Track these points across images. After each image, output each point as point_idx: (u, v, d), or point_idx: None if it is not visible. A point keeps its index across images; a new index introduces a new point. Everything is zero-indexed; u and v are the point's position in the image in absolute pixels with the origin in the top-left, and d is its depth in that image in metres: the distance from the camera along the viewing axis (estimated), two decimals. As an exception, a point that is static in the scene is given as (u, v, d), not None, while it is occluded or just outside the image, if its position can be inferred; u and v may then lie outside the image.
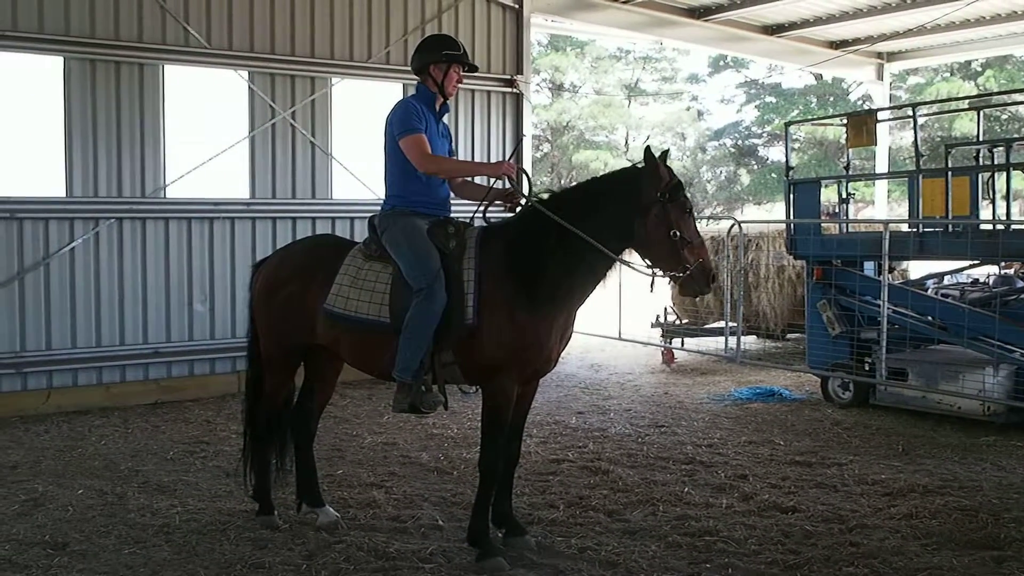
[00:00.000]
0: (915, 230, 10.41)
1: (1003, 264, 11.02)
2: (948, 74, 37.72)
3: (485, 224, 6.03)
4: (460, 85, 6.34)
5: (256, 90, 11.49)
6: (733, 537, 6.13)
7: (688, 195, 5.69)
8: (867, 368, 10.23)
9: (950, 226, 9.93)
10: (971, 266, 11.11)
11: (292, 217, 11.72)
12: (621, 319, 13.59)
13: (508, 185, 6.10)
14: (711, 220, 30.91)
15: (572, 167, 41.83)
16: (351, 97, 12.21)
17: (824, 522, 6.46)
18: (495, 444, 5.75)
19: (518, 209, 6.09)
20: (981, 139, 11.18)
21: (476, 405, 6.62)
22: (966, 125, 30.94)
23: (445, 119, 6.33)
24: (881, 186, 21.40)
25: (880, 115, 11.85)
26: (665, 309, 14.53)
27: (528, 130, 13.86)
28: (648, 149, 5.64)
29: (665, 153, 5.73)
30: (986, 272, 11.59)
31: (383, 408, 10.21)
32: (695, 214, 5.77)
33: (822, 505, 6.84)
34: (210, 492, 7.23)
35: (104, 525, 6.39)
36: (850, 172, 11.88)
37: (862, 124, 10.89)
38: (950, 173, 10.06)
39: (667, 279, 5.81)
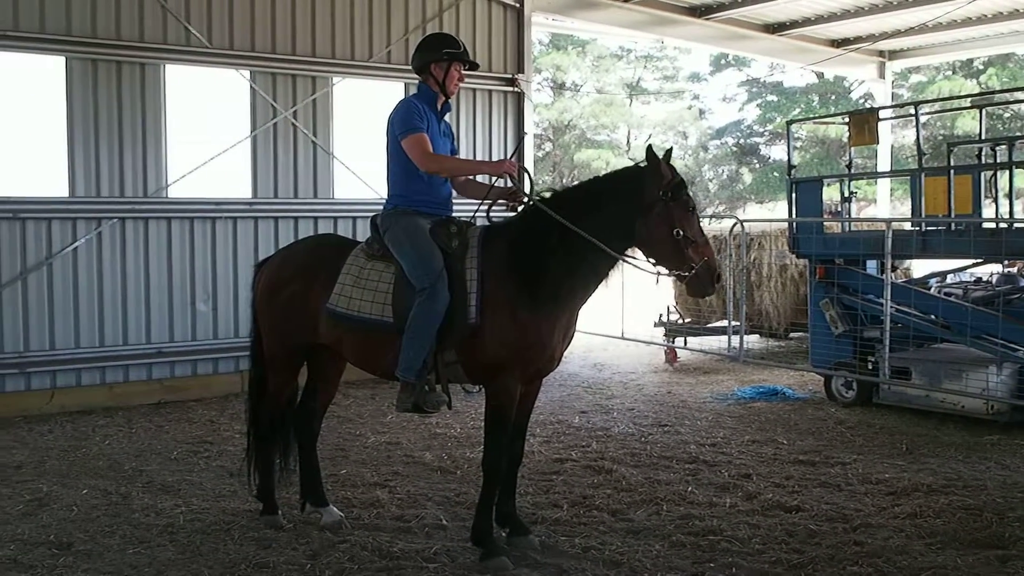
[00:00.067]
0: (918, 229, 10.40)
1: (1006, 262, 11.00)
2: (950, 72, 37.68)
3: (487, 223, 6.03)
4: (461, 84, 6.33)
5: (258, 89, 11.49)
6: (737, 536, 6.13)
7: (691, 194, 5.68)
8: (870, 367, 10.22)
9: (953, 224, 9.92)
10: (974, 265, 11.10)
11: (294, 217, 11.73)
12: (624, 318, 13.58)
13: (510, 184, 6.10)
14: (713, 219, 30.90)
15: (574, 166, 41.82)
16: (352, 96, 12.21)
17: (828, 521, 6.46)
18: (498, 443, 5.75)
19: (520, 208, 6.09)
20: (983, 137, 11.17)
21: (479, 404, 6.62)
22: (968, 123, 30.90)
23: (447, 118, 6.33)
24: (883, 185, 21.40)
25: (882, 113, 11.84)
26: (668, 308, 14.53)
27: (529, 129, 13.86)
28: (650, 148, 5.64)
29: (668, 152, 5.72)
30: (989, 271, 11.58)
31: (386, 408, 10.22)
32: (698, 213, 5.75)
33: (826, 504, 6.83)
34: (214, 492, 7.24)
35: (108, 525, 6.40)
36: (852, 171, 11.89)
37: (864, 123, 10.87)
38: (952, 171, 10.05)
39: (672, 277, 5.80)
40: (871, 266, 10.72)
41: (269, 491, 6.53)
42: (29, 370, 10.14)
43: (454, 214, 6.16)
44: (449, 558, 5.78)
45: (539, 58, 38.91)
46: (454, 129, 6.54)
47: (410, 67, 6.42)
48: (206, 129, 11.20)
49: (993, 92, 30.28)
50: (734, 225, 12.37)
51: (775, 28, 17.70)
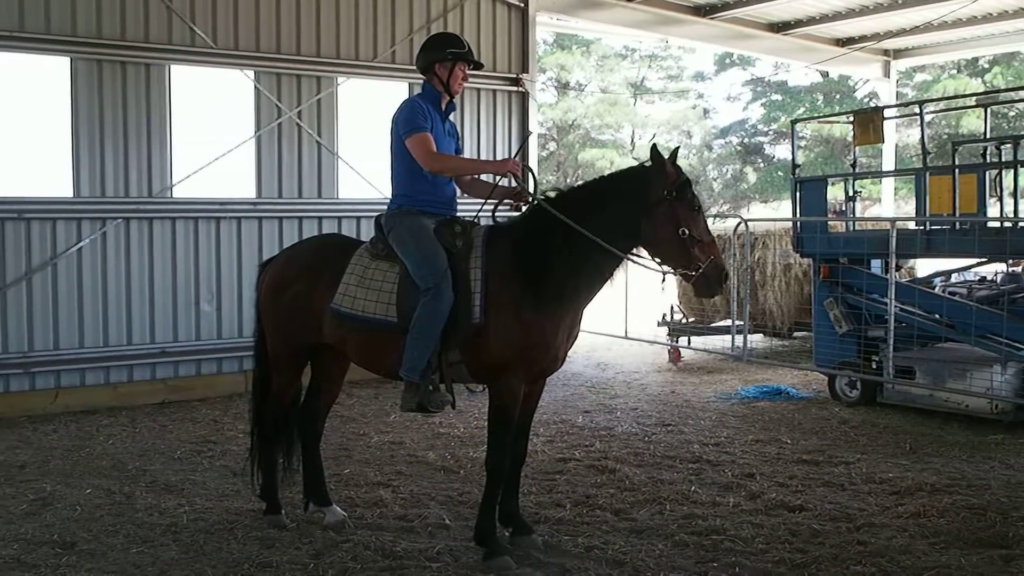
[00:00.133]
0: (922, 228, 10.38)
1: (1011, 262, 10.98)
2: (955, 71, 37.60)
3: (492, 223, 6.03)
4: (466, 84, 6.33)
5: (262, 90, 11.50)
6: (740, 536, 6.13)
7: (696, 193, 5.66)
8: (874, 366, 10.20)
9: (957, 224, 9.90)
10: (978, 264, 11.08)
11: (298, 216, 11.74)
12: (627, 318, 13.58)
13: (514, 183, 6.10)
14: (717, 218, 30.91)
15: (578, 165, 41.78)
16: (357, 96, 12.22)
17: (831, 521, 6.46)
18: (502, 443, 5.75)
19: (524, 208, 6.09)
20: (988, 136, 11.16)
21: (483, 404, 6.62)
22: (973, 122, 30.86)
23: (452, 117, 6.33)
24: (888, 184, 21.35)
25: (887, 112, 11.83)
26: (672, 308, 14.52)
27: (534, 128, 13.87)
28: (654, 147, 5.63)
29: (675, 151, 5.71)
30: (994, 270, 11.56)
31: (390, 407, 10.22)
32: (704, 212, 5.73)
33: (829, 504, 6.83)
34: (217, 491, 7.25)
35: (112, 524, 6.41)
36: (857, 170, 11.84)
37: (869, 121, 10.86)
38: (957, 170, 10.04)
39: (679, 277, 5.79)
40: (875, 265, 10.71)
41: (272, 491, 6.54)
42: (33, 370, 10.16)
43: (458, 214, 6.17)
44: (452, 557, 5.78)
45: (543, 58, 38.90)
46: (458, 129, 6.53)
47: (414, 67, 6.43)
48: (211, 129, 11.21)
49: (998, 91, 30.23)
50: (738, 224, 12.37)
51: (779, 27, 17.67)
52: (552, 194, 5.94)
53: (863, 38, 18.68)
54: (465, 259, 5.75)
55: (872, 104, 29.13)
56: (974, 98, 22.27)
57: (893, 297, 9.79)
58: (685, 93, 45.28)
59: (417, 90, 6.51)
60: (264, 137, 11.55)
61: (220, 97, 11.34)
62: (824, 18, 17.12)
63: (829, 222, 11.46)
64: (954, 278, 11.68)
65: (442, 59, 6.07)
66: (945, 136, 32.72)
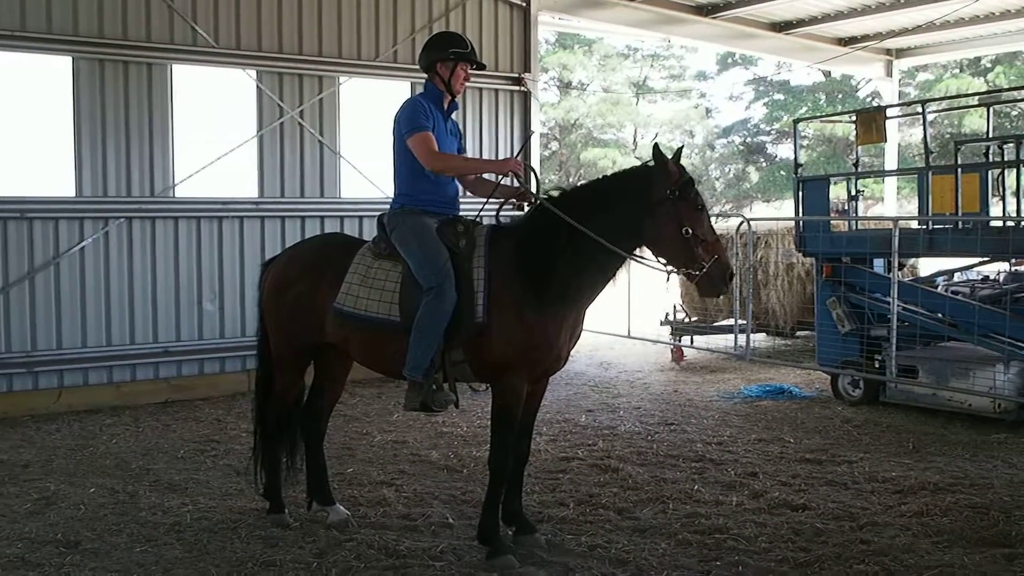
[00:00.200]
0: (925, 227, 10.38)
1: (1013, 261, 10.98)
2: (957, 70, 37.58)
3: (495, 222, 6.03)
4: (468, 83, 6.33)
5: (264, 89, 11.51)
6: (743, 535, 6.13)
7: (699, 192, 5.65)
8: (877, 365, 10.21)
9: (960, 223, 9.89)
10: (981, 263, 11.07)
11: (301, 216, 11.74)
12: (630, 317, 13.57)
13: (516, 182, 6.10)
14: (720, 217, 30.86)
15: (580, 165, 41.80)
16: (359, 96, 12.22)
17: (834, 520, 6.45)
18: (505, 442, 5.75)
19: (526, 207, 6.09)
20: (991, 135, 11.15)
21: (486, 403, 6.62)
22: (976, 121, 30.84)
23: (454, 116, 6.34)
24: (890, 183, 21.34)
25: (889, 112, 11.86)
26: (674, 307, 14.51)
27: (536, 128, 13.87)
28: (656, 146, 5.62)
29: (678, 151, 5.69)
30: (996, 269, 11.55)
31: (393, 406, 10.23)
32: (708, 211, 5.71)
33: (832, 503, 6.82)
34: (221, 490, 7.25)
35: (116, 523, 6.41)
36: (859, 169, 11.85)
37: (871, 121, 10.86)
38: (960, 170, 10.02)
39: (683, 277, 5.78)
40: (878, 264, 10.71)
41: (276, 490, 6.54)
42: (36, 369, 10.17)
43: (461, 213, 6.17)
44: (455, 556, 5.78)
45: (545, 57, 38.90)
46: (461, 128, 6.54)
47: (417, 66, 6.43)
48: (213, 129, 11.22)
49: (1001, 90, 30.20)
50: (741, 224, 12.36)
51: (782, 27, 17.67)
52: (555, 193, 5.94)
53: (865, 37, 18.67)
54: (468, 258, 5.75)
55: (874, 103, 29.15)
56: (976, 97, 22.27)
57: (896, 296, 9.79)
58: (687, 92, 45.30)
59: (419, 89, 6.51)
60: (266, 136, 11.55)
61: (222, 97, 11.34)
62: (826, 17, 17.11)
63: (832, 221, 11.45)
64: (957, 277, 11.67)
65: (444, 59, 6.07)
66: (948, 135, 32.70)
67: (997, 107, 19.64)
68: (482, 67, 6.39)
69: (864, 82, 38.58)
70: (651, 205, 5.54)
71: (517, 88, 13.47)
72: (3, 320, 10.04)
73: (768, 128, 44.35)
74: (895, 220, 10.30)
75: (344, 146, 12.09)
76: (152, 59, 10.77)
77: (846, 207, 12.38)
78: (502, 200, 6.14)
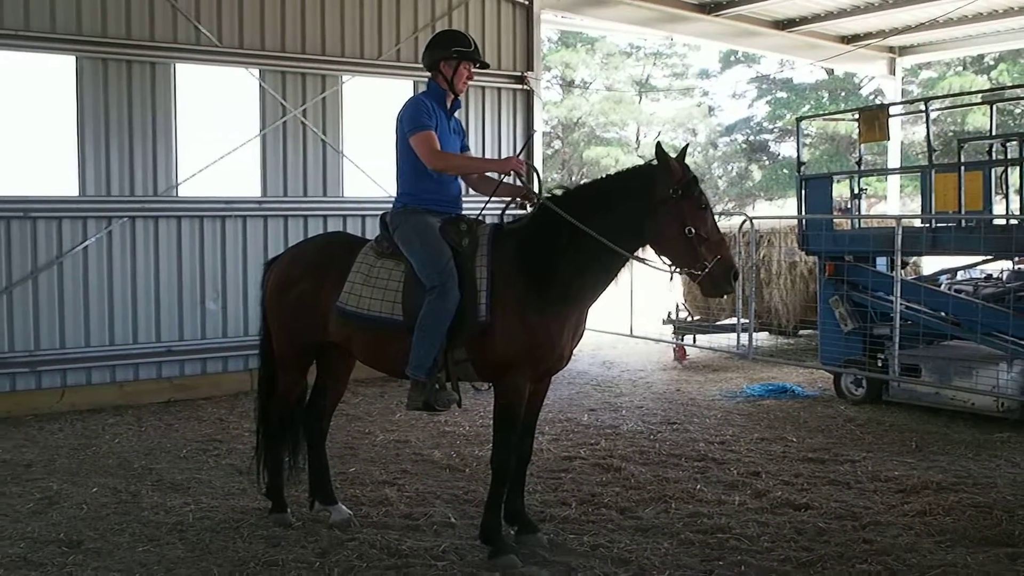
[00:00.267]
0: (928, 225, 10.37)
1: (1017, 259, 10.96)
2: (960, 68, 37.49)
3: (498, 221, 6.03)
4: (470, 82, 6.32)
5: (267, 88, 11.51)
6: (746, 534, 6.13)
7: (703, 190, 5.63)
8: (880, 364, 10.20)
9: (963, 221, 9.88)
10: (984, 261, 11.06)
11: (304, 215, 11.75)
12: (633, 316, 13.57)
13: (518, 181, 6.10)
14: (723, 216, 30.77)
15: (583, 164, 41.76)
16: (362, 95, 12.23)
17: (837, 519, 6.45)
18: (507, 441, 5.75)
19: (529, 207, 6.08)
20: (994, 133, 11.13)
21: (488, 402, 6.62)
22: (979, 119, 30.76)
23: (457, 115, 6.33)
24: (893, 181, 21.29)
25: (892, 110, 11.82)
26: (677, 306, 14.51)
27: (539, 127, 13.87)
28: (659, 145, 5.61)
29: (683, 149, 5.68)
30: (1000, 267, 11.54)
31: (395, 406, 10.23)
32: (712, 210, 5.68)
33: (835, 502, 6.82)
34: (223, 490, 7.26)
35: (118, 523, 6.42)
36: (862, 167, 11.83)
37: (874, 119, 10.84)
38: (963, 168, 10.01)
39: (686, 276, 5.77)
40: (881, 263, 10.69)
41: (278, 489, 6.54)
42: (40, 369, 10.18)
43: (464, 212, 6.17)
44: (458, 556, 5.78)
45: (548, 56, 38.84)
46: (464, 126, 6.53)
47: (420, 65, 6.44)
48: (216, 128, 11.22)
49: (1004, 88, 30.16)
50: (743, 222, 12.35)
51: (784, 24, 17.64)
52: (559, 192, 5.94)
53: (868, 35, 18.64)
54: (471, 257, 5.75)
55: (877, 101, 29.09)
56: (980, 95, 22.22)
57: (899, 295, 9.78)
58: (690, 91, 45.21)
59: (422, 88, 6.51)
60: (269, 136, 11.56)
61: (225, 96, 11.35)
62: (829, 15, 17.09)
63: (834, 220, 11.44)
64: (960, 276, 11.66)
65: (447, 57, 6.07)
66: (951, 133, 32.65)
67: (1000, 105, 19.64)
68: (485, 65, 6.39)
69: (867, 80, 38.48)
70: (654, 204, 5.52)
71: (520, 87, 13.47)
72: (6, 319, 10.05)
73: (771, 126, 44.27)
74: (898, 218, 10.30)
75: (347, 145, 12.10)
76: (155, 58, 10.77)
77: (849, 205, 12.36)
78: (508, 200, 6.14)
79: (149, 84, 10.78)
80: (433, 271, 5.66)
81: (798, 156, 11.84)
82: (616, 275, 5.82)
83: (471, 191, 6.48)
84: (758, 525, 6.32)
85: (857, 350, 10.50)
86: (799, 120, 12.65)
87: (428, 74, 6.22)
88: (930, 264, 14.29)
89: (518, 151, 10.23)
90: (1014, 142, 10.58)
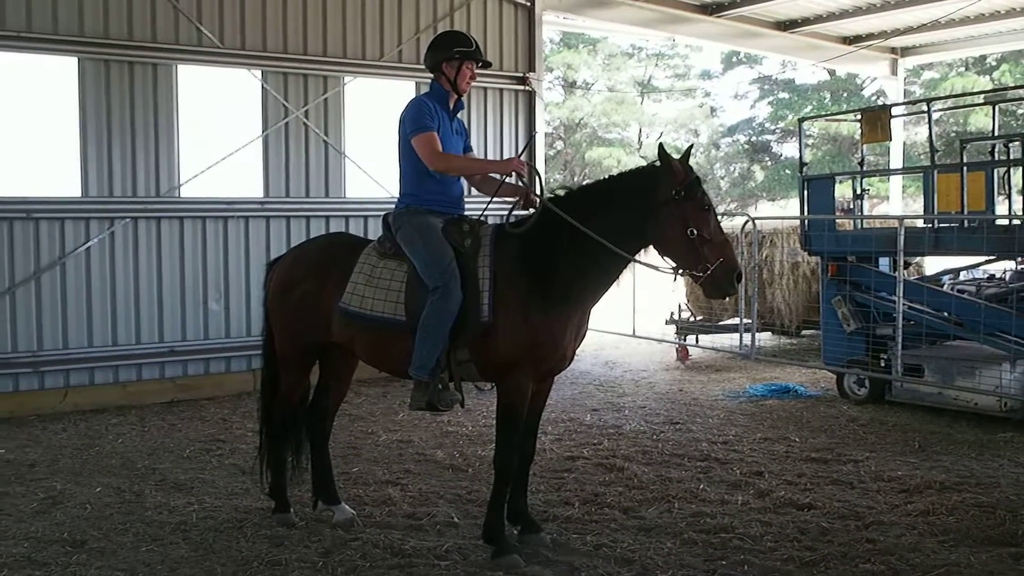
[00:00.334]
0: (930, 226, 10.36)
1: (1019, 259, 10.95)
2: (963, 69, 37.49)
3: (500, 222, 6.03)
4: (473, 83, 6.32)
5: (269, 89, 11.52)
6: (749, 534, 6.12)
7: (705, 191, 5.61)
8: (883, 364, 10.20)
9: (965, 221, 9.88)
10: (987, 262, 11.06)
11: (306, 216, 11.76)
12: (635, 316, 13.57)
13: (520, 182, 6.10)
14: (725, 216, 30.73)
15: (585, 164, 41.77)
16: (364, 96, 12.23)
17: (840, 519, 6.45)
18: (510, 441, 5.75)
19: (533, 207, 6.08)
20: (996, 134, 11.13)
21: (491, 402, 6.63)
22: (981, 120, 30.73)
23: (461, 115, 6.33)
24: (896, 182, 21.31)
25: (894, 110, 11.82)
26: (679, 306, 14.52)
27: (540, 127, 13.86)
28: (661, 146, 5.60)
29: (688, 150, 5.67)
30: (1002, 267, 11.53)
31: (398, 406, 10.24)
32: (715, 211, 5.65)
33: (838, 502, 6.82)
34: (226, 490, 7.26)
35: (122, 523, 6.42)
36: (864, 168, 11.84)
37: (876, 119, 10.84)
38: (965, 168, 10.01)
39: (688, 278, 5.76)
40: (883, 263, 10.69)
41: (281, 489, 6.55)
42: (43, 369, 10.19)
43: (466, 212, 6.17)
44: (461, 556, 5.78)
45: (550, 56, 38.87)
46: (466, 127, 6.53)
47: (422, 66, 6.44)
48: (218, 129, 11.23)
49: (1006, 88, 30.16)
50: (746, 223, 12.35)
51: (786, 25, 17.65)
52: (561, 192, 5.94)
53: (870, 36, 18.65)
54: (473, 258, 5.75)
55: (879, 102, 29.07)
56: (982, 96, 22.18)
57: (901, 295, 9.78)
58: (692, 91, 45.24)
59: (424, 89, 6.51)
60: (271, 136, 11.57)
61: (227, 97, 11.35)
62: (831, 16, 17.09)
63: (837, 220, 11.44)
64: (962, 276, 11.65)
65: (449, 58, 6.07)
66: (953, 134, 32.61)
67: (1003, 105, 19.61)
68: (488, 65, 6.39)
69: (869, 81, 38.50)
70: (656, 205, 5.52)
71: (522, 87, 13.48)
72: (9, 320, 10.06)
73: (773, 127, 44.28)
74: (900, 219, 10.30)
75: (349, 146, 12.10)
76: (157, 59, 10.78)
77: (851, 206, 12.36)
78: (513, 201, 6.14)
79: (151, 85, 10.79)
80: (436, 271, 5.66)
81: (800, 157, 11.83)
82: (618, 276, 5.81)
83: (473, 191, 6.48)
84: (761, 525, 6.32)
85: (860, 350, 10.49)
86: (801, 121, 12.65)
87: (430, 75, 6.22)
88: (933, 264, 14.28)
89: (519, 152, 10.25)
90: (1016, 142, 10.59)
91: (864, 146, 11.65)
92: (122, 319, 10.63)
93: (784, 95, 43.29)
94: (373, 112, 12.05)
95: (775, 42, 18.19)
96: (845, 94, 40.96)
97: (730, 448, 8.48)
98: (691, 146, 5.92)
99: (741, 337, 12.40)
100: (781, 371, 12.50)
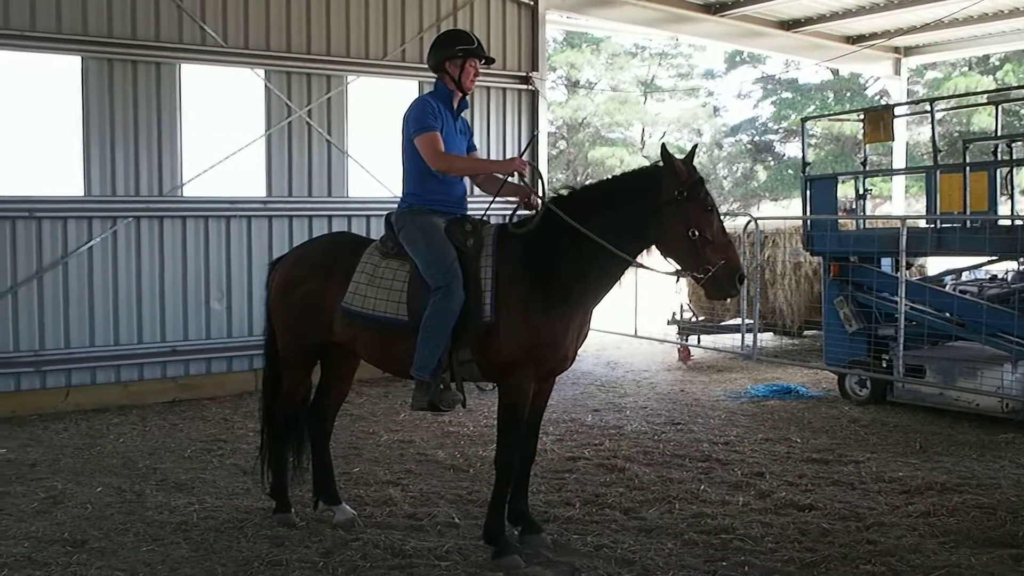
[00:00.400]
0: (933, 226, 10.35)
1: (1022, 260, 10.94)
2: (966, 68, 37.45)
3: (503, 222, 6.03)
4: (477, 80, 6.31)
5: (272, 88, 11.52)
6: (749, 535, 6.12)
7: (709, 192, 5.60)
8: (884, 365, 10.19)
9: (968, 222, 9.87)
10: (989, 262, 11.04)
11: (308, 215, 11.76)
12: (637, 316, 13.57)
13: (520, 182, 6.10)
14: (727, 216, 30.67)
15: (588, 164, 41.76)
16: (367, 95, 12.23)
17: (841, 520, 6.44)
18: (511, 442, 5.75)
19: (536, 208, 6.07)
20: (999, 134, 11.11)
21: (492, 403, 6.63)
22: (984, 120, 30.69)
23: (465, 115, 6.33)
24: (898, 182, 21.28)
25: (897, 110, 11.80)
26: (681, 306, 14.51)
27: (543, 127, 13.86)
28: (664, 147, 5.60)
29: (692, 150, 5.65)
30: (1005, 268, 11.52)
31: (399, 406, 10.24)
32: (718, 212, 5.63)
33: (839, 503, 6.81)
34: (227, 490, 7.26)
35: (122, 523, 6.43)
36: (867, 168, 11.82)
37: (879, 119, 10.83)
38: (968, 168, 10.01)
39: (689, 279, 5.75)
40: (886, 264, 10.68)
41: (282, 489, 6.55)
42: (44, 368, 10.20)
43: (469, 212, 6.17)
44: (461, 556, 5.78)
45: (553, 56, 38.86)
46: (470, 126, 6.53)
47: (425, 65, 6.43)
48: (221, 128, 11.23)
49: (1010, 88, 30.09)
50: (748, 223, 12.35)
51: (790, 25, 17.63)
52: (564, 192, 5.93)
53: (873, 35, 18.62)
54: (475, 258, 5.75)
55: (883, 102, 29.05)
56: (985, 95, 22.16)
57: (903, 295, 9.77)
58: (695, 91, 45.22)
59: (428, 88, 6.53)
60: (274, 136, 11.57)
61: (230, 96, 11.35)
62: (834, 15, 17.07)
63: (839, 220, 11.43)
64: (965, 276, 11.64)
65: (452, 56, 6.07)
66: (956, 134, 32.59)
67: (1006, 105, 19.54)
68: (491, 61, 6.38)
69: (872, 80, 38.43)
70: (658, 206, 5.51)
71: (525, 87, 13.47)
72: (11, 319, 10.07)
73: (776, 127, 44.26)
74: (903, 219, 10.29)
75: (352, 145, 12.10)
76: (161, 59, 10.79)
77: (854, 206, 12.36)
78: (516, 201, 6.13)
79: (154, 84, 10.79)
80: (438, 271, 5.66)
81: (803, 156, 11.83)
82: (620, 277, 5.81)
83: (476, 191, 6.48)
84: (762, 526, 6.32)
85: (861, 351, 10.48)
86: (804, 120, 12.64)
87: (434, 75, 6.22)
88: (935, 265, 14.27)
89: (521, 152, 10.26)
90: (1019, 142, 10.57)
91: (867, 146, 11.63)
92: (124, 318, 10.64)
93: (787, 95, 43.26)
94: (376, 111, 12.05)
95: (778, 41, 18.16)
96: (848, 94, 40.94)
97: (731, 449, 8.48)
98: (695, 146, 5.91)
99: (743, 337, 12.40)
100: (783, 372, 12.50)
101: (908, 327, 9.85)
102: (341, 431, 8.44)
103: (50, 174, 10.40)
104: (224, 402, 10.66)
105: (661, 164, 5.58)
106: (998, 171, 9.92)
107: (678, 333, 14.45)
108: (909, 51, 20.06)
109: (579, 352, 6.16)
